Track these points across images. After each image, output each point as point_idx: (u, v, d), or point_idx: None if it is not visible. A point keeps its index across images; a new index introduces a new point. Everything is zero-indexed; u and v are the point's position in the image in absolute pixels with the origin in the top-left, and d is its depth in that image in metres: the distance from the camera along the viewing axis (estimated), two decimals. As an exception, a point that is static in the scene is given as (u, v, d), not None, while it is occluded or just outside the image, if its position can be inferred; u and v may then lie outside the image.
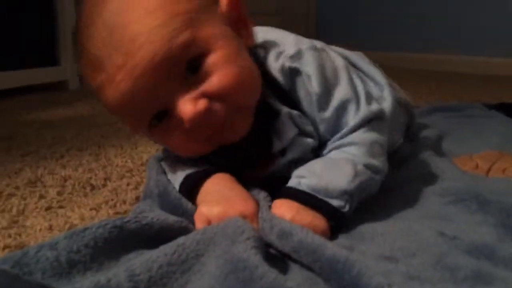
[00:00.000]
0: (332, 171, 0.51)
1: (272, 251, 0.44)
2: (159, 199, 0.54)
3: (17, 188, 0.69)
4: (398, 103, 0.75)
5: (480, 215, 0.51)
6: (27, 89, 1.60)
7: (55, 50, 1.71)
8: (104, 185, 0.71)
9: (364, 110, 0.54)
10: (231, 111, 0.50)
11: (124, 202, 0.64)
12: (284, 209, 0.47)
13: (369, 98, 0.57)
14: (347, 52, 0.70)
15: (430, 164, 0.68)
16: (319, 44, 0.59)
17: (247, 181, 0.54)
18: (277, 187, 0.52)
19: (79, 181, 0.72)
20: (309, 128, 0.56)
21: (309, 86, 0.54)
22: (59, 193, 0.67)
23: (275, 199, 0.50)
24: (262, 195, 0.51)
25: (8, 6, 1.55)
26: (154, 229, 0.44)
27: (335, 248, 0.39)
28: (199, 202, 0.51)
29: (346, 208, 0.49)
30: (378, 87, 0.66)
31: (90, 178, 0.74)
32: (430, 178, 0.63)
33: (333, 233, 0.48)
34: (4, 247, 0.50)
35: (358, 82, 0.57)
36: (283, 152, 0.56)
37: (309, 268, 0.41)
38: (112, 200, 0.64)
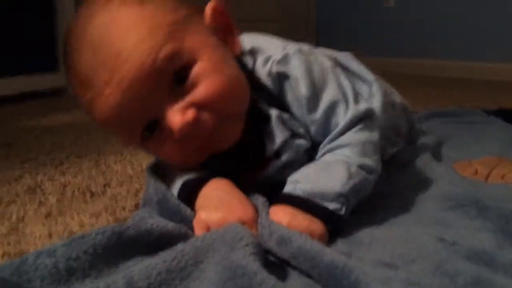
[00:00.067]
0: (327, 175, 0.51)
1: (271, 257, 0.44)
2: (158, 206, 0.54)
3: (16, 195, 0.69)
4: (392, 105, 0.75)
5: (480, 221, 0.51)
6: (27, 95, 1.61)
7: (55, 56, 1.71)
8: (104, 192, 0.71)
9: (353, 110, 0.55)
10: (220, 119, 0.51)
11: (124, 208, 0.63)
12: (280, 215, 0.47)
13: (358, 97, 0.57)
14: (335, 53, 0.71)
15: (429, 169, 0.68)
16: (305, 47, 0.60)
17: (245, 186, 0.54)
18: (275, 192, 0.52)
19: (79, 187, 0.72)
20: (301, 130, 0.56)
21: (297, 90, 0.55)
22: (58, 200, 0.67)
23: (272, 205, 0.50)
24: (260, 200, 0.51)
25: (8, 12, 1.55)
26: (153, 235, 0.44)
27: (334, 254, 0.39)
28: (198, 208, 0.51)
29: (343, 211, 0.49)
30: (366, 85, 0.66)
31: (90, 184, 0.74)
32: (429, 183, 0.63)
33: (331, 236, 0.48)
34: (3, 255, 0.50)
35: (346, 83, 0.58)
36: (277, 155, 0.56)
37: (307, 275, 0.41)
38: (111, 206, 0.64)
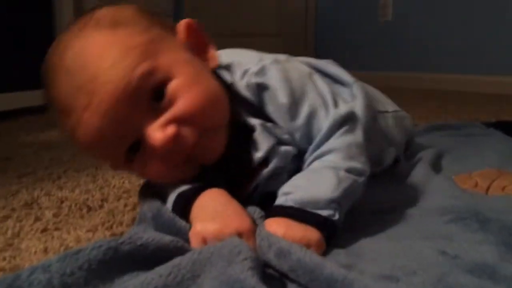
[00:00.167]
0: (316, 182, 0.51)
1: (269, 271, 0.43)
2: (153, 221, 0.53)
3: (13, 210, 0.69)
4: (383, 114, 0.75)
5: (481, 233, 0.50)
6: (25, 110, 1.61)
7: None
8: (101, 207, 0.70)
9: (333, 114, 0.55)
10: (202, 132, 0.51)
11: (121, 223, 0.63)
12: (275, 226, 0.46)
13: (337, 101, 0.57)
14: (313, 60, 0.71)
15: (429, 182, 0.67)
16: (282, 56, 0.61)
17: (237, 198, 0.53)
18: (267, 205, 0.52)
19: (76, 202, 0.71)
20: (286, 137, 0.56)
21: (277, 99, 0.56)
22: (55, 215, 0.66)
23: (266, 218, 0.50)
24: (257, 213, 0.51)
25: (8, 29, 1.56)
26: (149, 249, 0.43)
27: (333, 267, 0.38)
28: (193, 219, 0.50)
29: (336, 216, 0.49)
30: (347, 88, 0.66)
31: (87, 199, 0.73)
32: (430, 196, 0.62)
33: (328, 244, 0.48)
34: (-2, 270, 0.50)
35: (324, 88, 0.58)
36: (265, 163, 0.56)
37: (307, 288, 0.40)
38: (108, 221, 0.63)
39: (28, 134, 1.33)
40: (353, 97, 0.63)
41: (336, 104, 0.57)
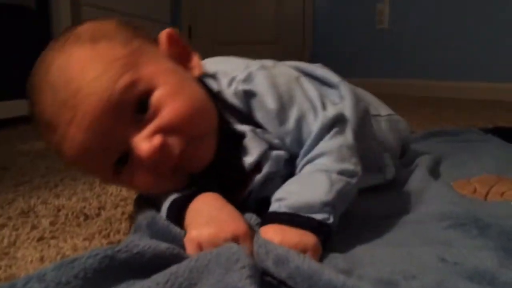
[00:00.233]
0: (309, 187, 0.51)
1: (267, 278, 0.43)
2: (148, 230, 0.53)
3: (9, 218, 0.68)
4: (375, 117, 0.75)
5: (480, 239, 0.50)
6: (22, 119, 1.60)
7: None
8: (98, 215, 0.70)
9: (322, 117, 0.55)
10: (189, 140, 0.51)
11: (118, 231, 0.62)
12: (271, 234, 0.46)
13: (326, 104, 0.57)
14: (302, 64, 0.71)
15: (428, 188, 0.67)
16: (269, 62, 0.61)
17: (234, 204, 0.53)
18: (264, 211, 0.51)
19: (73, 210, 0.71)
20: (276, 142, 0.56)
21: (265, 105, 0.56)
22: (52, 223, 0.66)
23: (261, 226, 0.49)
24: (254, 219, 0.51)
25: (6, 39, 1.57)
26: (145, 257, 0.43)
27: (332, 274, 0.38)
28: (188, 225, 0.50)
29: (331, 220, 0.48)
30: (335, 89, 0.66)
31: (84, 207, 0.72)
32: (428, 202, 0.62)
33: (324, 248, 0.47)
34: (-6, 280, 0.49)
35: (312, 91, 0.58)
36: (258, 168, 0.56)
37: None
38: (106, 229, 0.63)
39: (24, 143, 1.32)
40: (341, 98, 0.63)
41: (324, 107, 0.56)
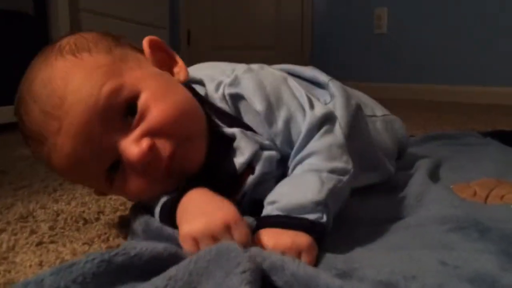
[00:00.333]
0: (300, 187, 0.50)
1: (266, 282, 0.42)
2: (144, 235, 0.53)
3: (8, 223, 0.68)
4: (371, 118, 0.75)
5: (481, 243, 0.50)
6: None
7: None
8: (97, 219, 0.69)
9: (310, 117, 0.55)
10: (178, 142, 0.51)
11: (118, 236, 0.62)
12: (264, 239, 0.46)
13: (313, 103, 0.57)
14: (291, 66, 0.71)
15: (428, 191, 0.67)
16: (255, 65, 0.62)
17: None
18: (260, 213, 0.51)
19: (72, 215, 0.70)
20: (267, 142, 0.56)
21: (253, 107, 0.56)
22: (51, 228, 0.66)
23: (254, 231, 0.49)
24: (251, 221, 0.50)
25: (4, 45, 1.57)
26: (143, 259, 0.43)
27: (328, 279, 0.38)
28: (179, 222, 0.49)
29: (324, 219, 0.48)
30: (326, 90, 0.66)
31: (83, 212, 0.72)
32: (428, 206, 0.62)
33: (319, 247, 0.47)
34: (-8, 284, 0.49)
35: (300, 91, 0.58)
36: (252, 170, 0.56)
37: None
38: (105, 234, 0.62)
39: (24, 148, 1.32)
40: (332, 97, 0.62)
41: (312, 106, 0.56)
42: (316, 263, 0.46)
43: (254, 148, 0.55)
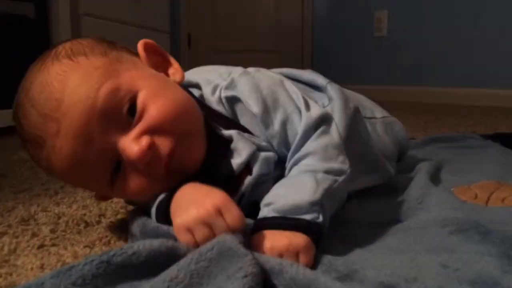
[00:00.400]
0: (295, 188, 0.50)
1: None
2: (142, 236, 0.53)
3: (9, 226, 0.68)
4: (370, 120, 0.75)
5: (482, 245, 0.50)
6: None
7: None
8: (99, 222, 0.69)
9: (306, 119, 0.55)
10: (177, 139, 0.51)
11: (119, 238, 0.62)
12: (261, 241, 0.46)
13: (310, 105, 0.57)
14: (289, 69, 0.72)
15: (429, 194, 0.67)
16: (252, 69, 0.62)
17: None
18: (257, 215, 0.51)
19: (73, 218, 0.71)
20: (264, 144, 0.57)
21: (249, 110, 0.56)
22: (52, 231, 0.66)
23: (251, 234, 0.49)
24: (248, 223, 0.50)
25: (5, 48, 1.57)
26: (142, 257, 0.43)
27: (328, 282, 0.38)
28: (173, 217, 0.49)
29: (320, 219, 0.48)
30: (322, 91, 0.66)
31: (84, 215, 0.72)
32: (429, 208, 0.62)
33: (318, 248, 0.47)
34: (-7, 288, 0.49)
35: (296, 93, 0.58)
36: (250, 172, 0.56)
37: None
38: (106, 237, 0.62)
39: (23, 151, 1.32)
40: (330, 99, 0.63)
41: (308, 108, 0.57)
42: (315, 264, 0.46)
43: (252, 149, 0.55)
